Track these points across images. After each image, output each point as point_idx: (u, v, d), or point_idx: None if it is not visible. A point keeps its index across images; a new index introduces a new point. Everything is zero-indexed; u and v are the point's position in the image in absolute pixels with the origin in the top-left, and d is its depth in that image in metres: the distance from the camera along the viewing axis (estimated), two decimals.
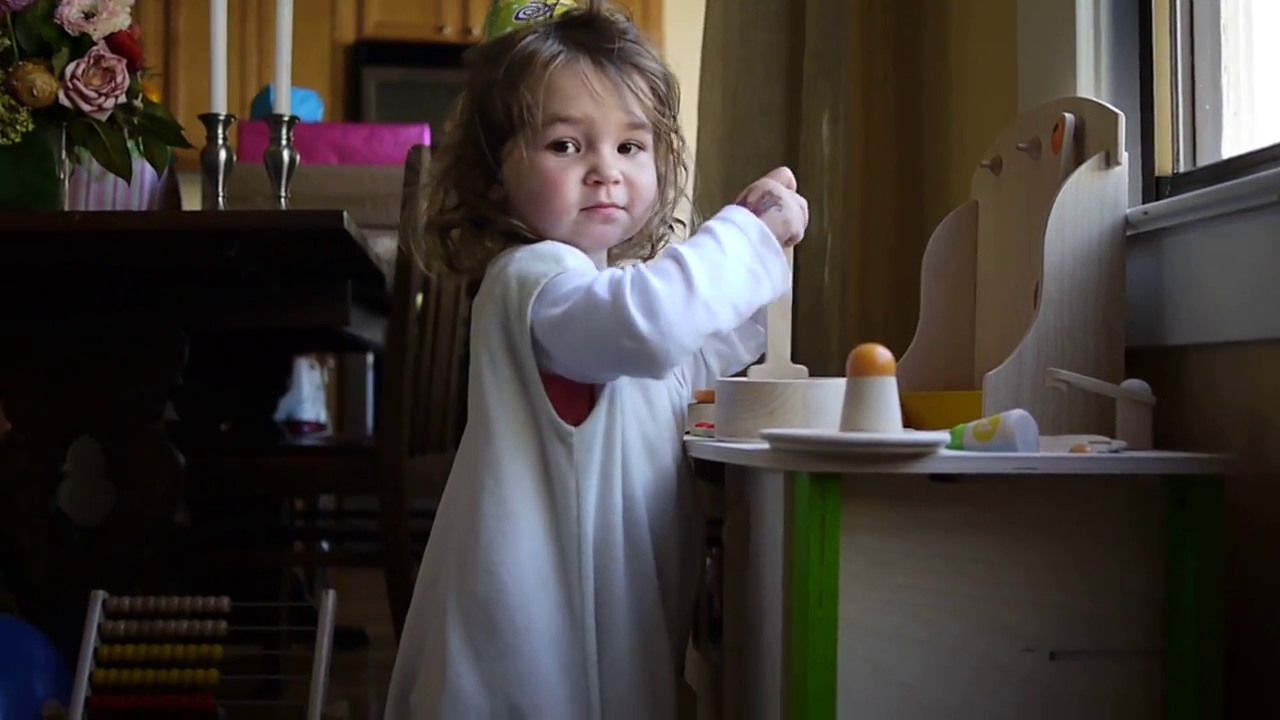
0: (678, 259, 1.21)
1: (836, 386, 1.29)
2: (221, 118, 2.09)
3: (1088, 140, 1.43)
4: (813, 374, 1.98)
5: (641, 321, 1.17)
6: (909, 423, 1.60)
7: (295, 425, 3.67)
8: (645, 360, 1.20)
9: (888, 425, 1.11)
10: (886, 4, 1.92)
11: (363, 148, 3.22)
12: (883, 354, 1.11)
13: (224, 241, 1.97)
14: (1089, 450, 1.18)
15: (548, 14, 1.32)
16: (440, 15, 5.42)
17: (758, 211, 1.27)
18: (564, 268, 1.24)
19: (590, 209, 1.31)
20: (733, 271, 1.22)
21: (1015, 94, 1.69)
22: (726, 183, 2.02)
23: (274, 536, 2.99)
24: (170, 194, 2.69)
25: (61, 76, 1.93)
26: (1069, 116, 1.44)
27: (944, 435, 1.12)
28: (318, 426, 3.80)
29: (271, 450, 2.70)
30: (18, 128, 1.91)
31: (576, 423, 1.27)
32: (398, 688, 1.32)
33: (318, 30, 5.22)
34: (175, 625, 2.16)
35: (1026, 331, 1.39)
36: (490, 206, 1.34)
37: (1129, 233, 1.39)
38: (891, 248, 1.97)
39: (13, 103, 1.90)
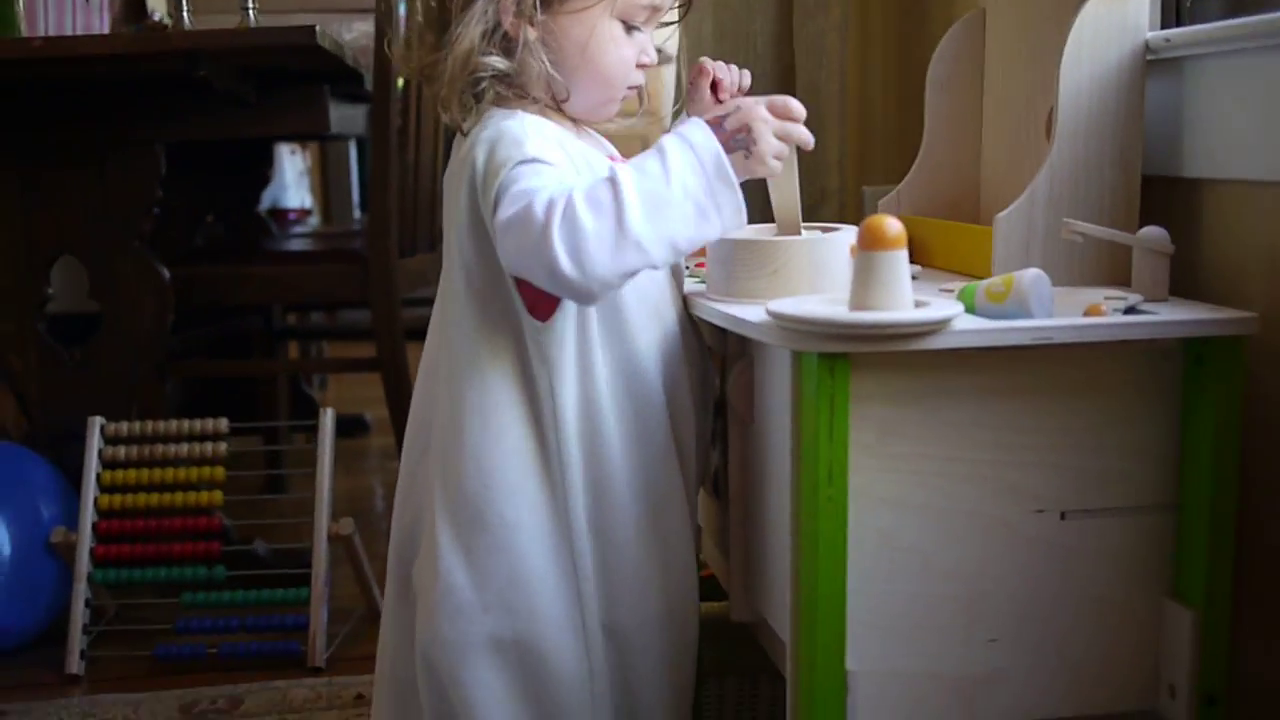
0: (615, 188, 1.09)
1: (840, 242, 1.25)
2: None
3: None
4: (812, 183, 1.93)
5: (563, 259, 1.08)
6: (913, 250, 1.56)
7: (280, 214, 3.60)
8: (567, 294, 1.14)
9: (899, 301, 1.06)
10: None
11: None
12: (893, 226, 1.06)
13: (191, 62, 1.87)
14: (1104, 309, 1.13)
15: None
16: None
17: (726, 145, 1.13)
18: (524, 154, 1.15)
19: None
20: (676, 206, 1.10)
21: None
22: None
23: (266, 338, 2.96)
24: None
25: None
26: None
27: (956, 307, 1.08)
28: (303, 213, 3.73)
29: (259, 258, 2.64)
30: None
31: (548, 315, 1.21)
32: (397, 557, 1.31)
33: None
34: (175, 449, 2.16)
35: (1039, 166, 1.33)
36: (523, 46, 1.21)
37: (1149, 58, 1.31)
38: (893, 51, 1.88)
39: None
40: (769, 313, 1.10)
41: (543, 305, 1.20)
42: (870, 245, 1.06)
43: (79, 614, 2.07)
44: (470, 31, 1.19)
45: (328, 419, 2.16)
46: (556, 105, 1.26)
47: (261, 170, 3.24)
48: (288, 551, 2.25)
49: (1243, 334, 1.12)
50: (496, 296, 1.21)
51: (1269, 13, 1.30)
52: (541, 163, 1.16)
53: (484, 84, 1.22)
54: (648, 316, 1.26)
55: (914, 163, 1.62)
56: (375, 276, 2.44)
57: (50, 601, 2.15)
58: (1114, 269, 1.31)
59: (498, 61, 1.21)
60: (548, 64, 1.22)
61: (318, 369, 3.33)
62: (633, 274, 1.13)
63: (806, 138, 1.18)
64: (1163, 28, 1.45)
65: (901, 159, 1.94)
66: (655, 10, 1.26)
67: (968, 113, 1.60)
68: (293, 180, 3.66)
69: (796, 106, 1.17)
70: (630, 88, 1.27)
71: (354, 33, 3.14)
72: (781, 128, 1.16)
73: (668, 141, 1.13)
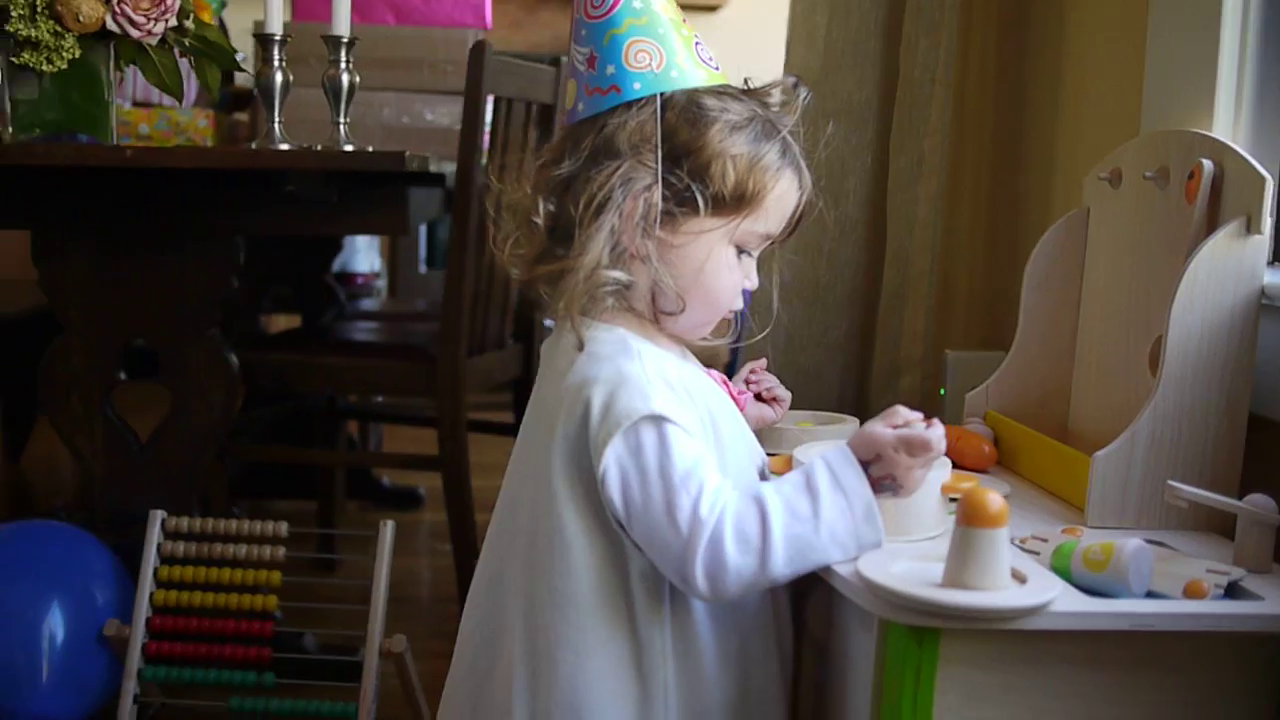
0: (765, 528, 1.10)
1: (929, 483, 1.22)
2: (277, 38, 1.95)
3: (1225, 195, 1.31)
4: (897, 351, 1.90)
5: (700, 582, 1.11)
6: (1000, 454, 1.53)
7: (349, 278, 3.62)
8: (685, 590, 1.15)
9: (995, 580, 1.04)
10: None
11: (420, 6, 3.05)
12: (995, 502, 1.03)
13: (280, 179, 1.87)
14: (1206, 587, 1.10)
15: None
16: None
17: (876, 487, 1.13)
18: (651, 410, 1.13)
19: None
20: (820, 551, 1.12)
21: (1139, 104, 1.55)
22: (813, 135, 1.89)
23: (329, 417, 2.96)
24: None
25: (108, 0, 1.80)
26: (1207, 165, 1.32)
27: (1054, 589, 1.05)
28: (372, 277, 3.74)
29: (327, 349, 2.64)
30: (64, 54, 1.80)
31: None
32: None
33: None
34: (234, 549, 2.16)
35: (1138, 396, 1.30)
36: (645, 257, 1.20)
37: (1263, 303, 1.28)
38: (983, 230, 1.86)
39: (59, 29, 1.78)
40: (859, 576, 1.07)
41: None
42: (970, 521, 1.04)
43: (127, 711, 2.06)
44: (598, 245, 1.18)
45: (387, 533, 2.14)
46: (656, 320, 1.24)
47: (334, 238, 3.25)
48: (337, 646, 2.24)
49: None
50: (601, 537, 1.17)
51: None
52: (670, 423, 1.13)
53: (604, 297, 1.21)
54: None
55: (1005, 358, 1.60)
56: (443, 377, 2.44)
57: (99, 693, 2.15)
58: (1213, 518, 1.28)
59: (620, 275, 1.20)
60: (669, 279, 1.21)
61: (379, 463, 3.33)
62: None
63: (941, 452, 1.16)
64: (1275, 259, 1.42)
65: (985, 330, 1.91)
66: (767, 238, 1.25)
67: (1063, 313, 1.58)
68: (363, 246, 3.67)
69: (937, 442, 1.14)
70: (730, 310, 1.26)
71: (435, 114, 3.15)
72: (924, 462, 1.14)
73: (821, 482, 1.13)
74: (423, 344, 2.60)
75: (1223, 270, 1.27)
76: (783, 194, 1.22)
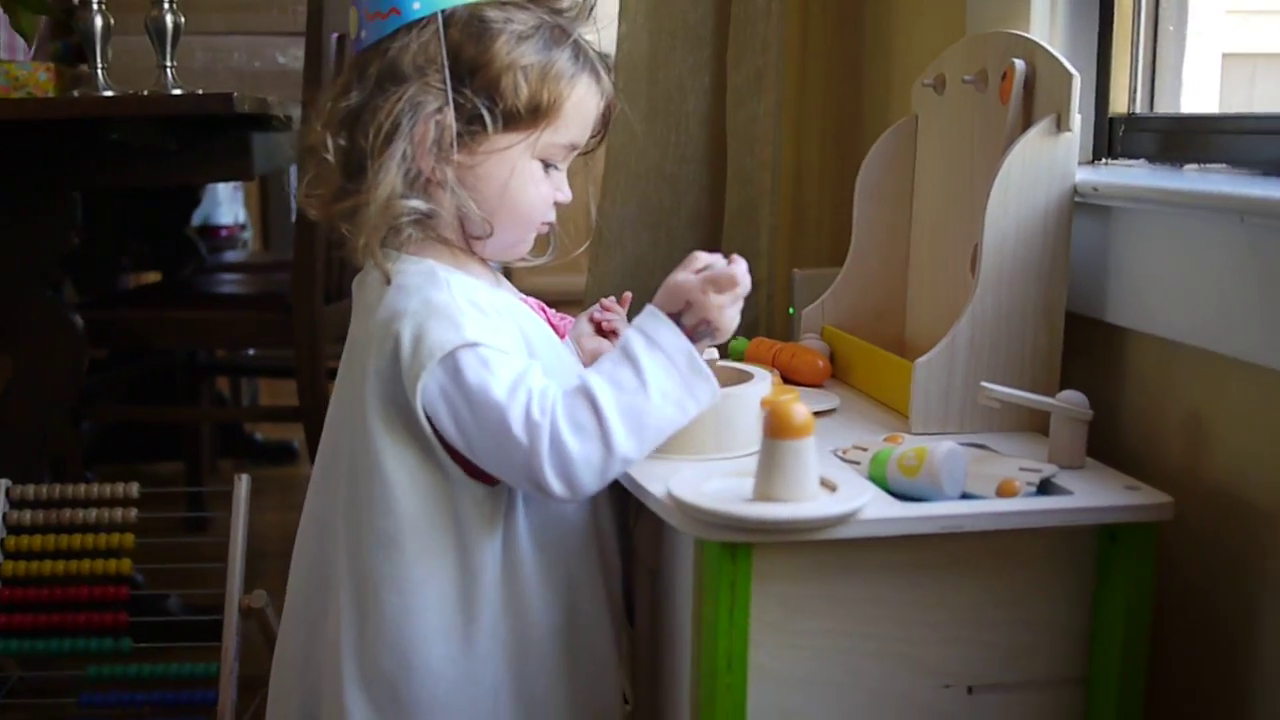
0: (596, 409, 1.07)
1: (749, 396, 1.20)
2: None
3: (1038, 94, 1.30)
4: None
5: (554, 483, 1.08)
6: (836, 368, 1.53)
7: (212, 230, 3.51)
8: (546, 498, 1.12)
9: (803, 490, 1.02)
10: None
11: None
12: (799, 413, 1.02)
13: (104, 126, 1.80)
14: (1019, 485, 1.10)
15: None
16: None
17: (692, 336, 1.11)
18: (464, 339, 1.10)
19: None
20: (656, 412, 1.09)
21: (964, 8, 1.53)
22: (651, 54, 1.86)
23: (191, 373, 2.89)
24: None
25: None
26: (1019, 64, 1.31)
27: (862, 495, 1.04)
28: (237, 229, 3.64)
29: (182, 303, 2.57)
30: None
31: (484, 479, 1.15)
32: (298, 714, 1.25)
33: None
34: (84, 514, 2.10)
35: (963, 302, 1.29)
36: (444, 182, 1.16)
37: (1077, 200, 1.28)
38: (830, 138, 1.84)
39: None
40: (670, 496, 1.06)
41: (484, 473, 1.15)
42: (776, 433, 1.02)
43: None
44: (390, 175, 1.14)
45: (242, 488, 2.09)
46: (467, 245, 1.21)
47: (191, 190, 3.15)
48: (203, 606, 2.19)
49: (1157, 520, 1.09)
50: (424, 469, 1.14)
51: (1193, 161, 1.28)
52: (485, 347, 1.10)
53: (404, 228, 1.17)
54: None
55: (841, 269, 1.59)
56: (299, 326, 2.38)
57: None
58: (1034, 417, 1.28)
59: (419, 204, 1.16)
60: (471, 203, 1.17)
61: (239, 417, 3.26)
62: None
63: (747, 286, 1.14)
64: (1094, 158, 1.42)
65: (834, 245, 1.90)
66: (573, 148, 1.21)
67: (897, 223, 1.57)
68: (225, 196, 3.57)
69: (741, 276, 1.12)
70: (544, 224, 1.23)
71: (286, 56, 3.06)
72: (732, 299, 1.12)
73: (636, 347, 1.10)
74: (281, 293, 2.54)
75: (1035, 170, 1.26)
76: (580, 100, 1.18)
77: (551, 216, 1.23)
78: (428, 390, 1.10)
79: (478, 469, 1.14)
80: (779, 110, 1.80)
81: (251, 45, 2.96)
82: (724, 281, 1.11)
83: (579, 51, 1.18)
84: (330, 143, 1.17)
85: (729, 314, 1.12)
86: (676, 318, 1.12)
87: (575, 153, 1.23)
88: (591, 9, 1.20)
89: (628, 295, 1.42)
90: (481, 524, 1.16)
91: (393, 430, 1.15)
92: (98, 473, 2.80)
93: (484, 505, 1.15)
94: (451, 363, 1.09)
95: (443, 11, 1.14)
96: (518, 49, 1.15)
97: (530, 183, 1.19)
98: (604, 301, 1.42)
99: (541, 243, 1.26)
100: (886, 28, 1.82)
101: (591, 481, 1.09)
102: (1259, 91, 2.42)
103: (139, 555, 2.16)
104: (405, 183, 1.15)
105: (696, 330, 1.12)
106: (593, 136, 1.24)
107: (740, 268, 1.13)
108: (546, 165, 1.20)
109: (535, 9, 1.17)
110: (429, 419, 1.11)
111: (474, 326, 1.12)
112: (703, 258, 1.15)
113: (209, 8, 2.84)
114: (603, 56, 1.21)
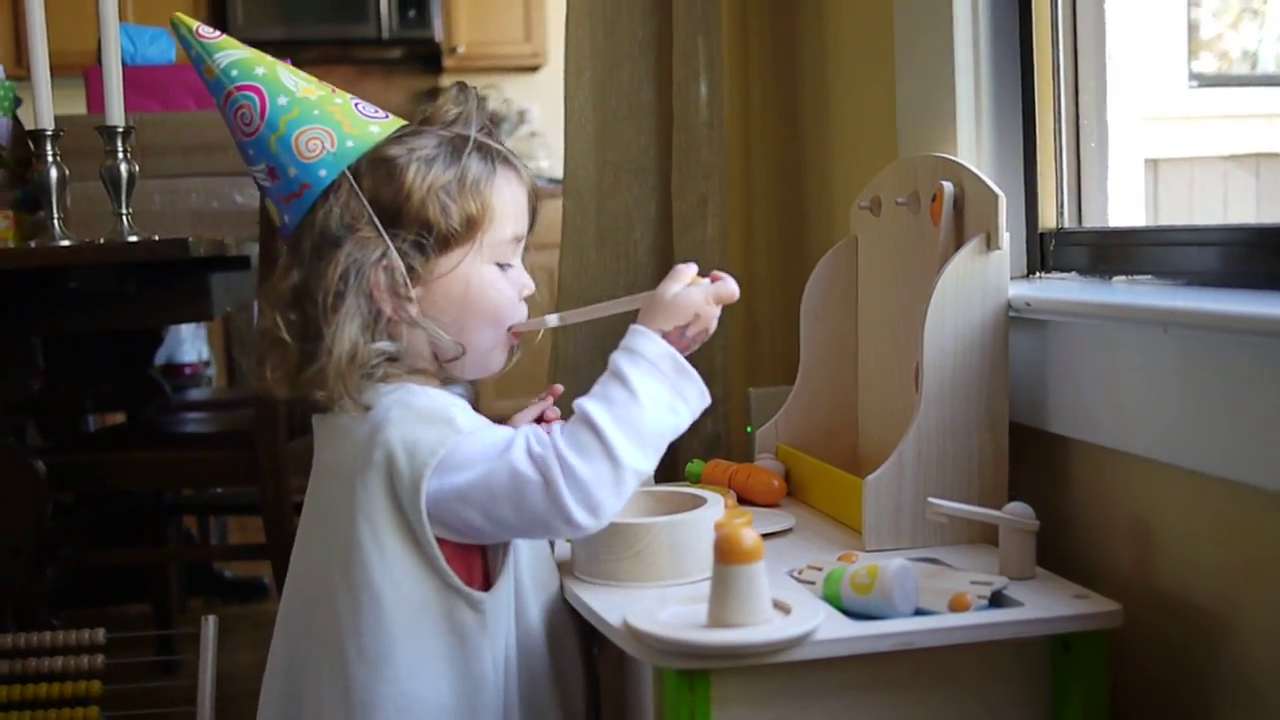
0: (595, 430, 1.12)
1: (702, 522, 1.23)
2: (49, 133, 1.91)
3: (967, 214, 1.35)
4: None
5: (578, 512, 1.12)
6: (791, 487, 1.55)
7: (177, 369, 3.53)
8: (577, 535, 1.17)
9: (757, 614, 1.04)
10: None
11: None
12: (749, 538, 1.04)
13: (62, 274, 1.83)
14: (970, 599, 1.12)
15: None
16: None
17: (686, 349, 1.18)
18: (457, 430, 1.15)
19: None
20: (651, 419, 1.14)
21: (894, 133, 1.59)
22: (599, 185, 1.91)
23: (156, 514, 2.88)
24: (20, 142, 2.49)
25: None
26: (947, 186, 1.35)
27: (816, 617, 1.06)
28: (201, 366, 3.66)
29: (146, 444, 2.57)
30: None
31: (480, 586, 1.18)
32: None
33: None
34: (50, 662, 2.08)
35: (907, 426, 1.32)
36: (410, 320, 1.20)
37: (1011, 315, 1.32)
38: (775, 264, 1.89)
39: None
40: (626, 625, 1.07)
41: (473, 569, 1.18)
42: (726, 559, 1.04)
43: None
44: (348, 329, 1.17)
45: (209, 629, 2.08)
46: (443, 371, 1.24)
47: (153, 331, 3.17)
48: None
49: (1107, 628, 1.11)
50: (419, 580, 1.15)
51: (1122, 273, 1.32)
52: (476, 435, 1.15)
53: (377, 370, 1.19)
54: (537, 588, 1.23)
55: (791, 390, 1.62)
56: (264, 463, 2.39)
57: None
58: (985, 529, 1.30)
59: (386, 345, 1.20)
60: (440, 331, 1.20)
61: (205, 557, 3.25)
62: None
63: (737, 295, 1.23)
64: (1029, 272, 1.46)
65: (787, 364, 1.94)
66: (519, 240, 1.25)
67: (843, 341, 1.60)
68: (188, 334, 3.59)
69: (735, 287, 1.22)
70: (513, 336, 1.26)
71: (244, 196, 3.10)
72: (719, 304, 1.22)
73: (621, 363, 1.16)
74: (246, 430, 2.55)
75: (969, 287, 1.30)
76: (506, 195, 1.23)
77: (523, 312, 1.26)
78: (433, 491, 1.13)
79: (472, 573, 1.16)
80: (724, 235, 1.84)
81: (209, 186, 2.99)
82: (725, 296, 1.21)
83: (485, 151, 1.22)
84: (282, 321, 1.20)
85: (715, 322, 1.21)
86: (683, 329, 1.18)
87: (522, 243, 1.26)
88: (479, 106, 1.24)
89: (558, 387, 1.44)
90: (479, 630, 1.17)
91: (382, 544, 1.16)
92: (64, 618, 2.78)
93: (480, 611, 1.17)
94: (451, 456, 1.13)
95: (349, 168, 1.19)
96: (430, 173, 1.19)
97: (489, 287, 1.23)
98: (551, 391, 1.43)
99: (512, 350, 1.29)
100: (825, 151, 1.88)
101: (610, 500, 1.13)
102: (1197, 194, 2.50)
103: (107, 702, 2.14)
104: (367, 330, 1.18)
105: (697, 338, 1.20)
106: (529, 220, 1.28)
107: (732, 281, 1.22)
108: (501, 266, 1.24)
109: (430, 130, 1.22)
110: (432, 521, 1.14)
111: (463, 417, 1.17)
112: (691, 271, 1.22)
113: (165, 151, 2.88)
114: (506, 149, 1.25)
